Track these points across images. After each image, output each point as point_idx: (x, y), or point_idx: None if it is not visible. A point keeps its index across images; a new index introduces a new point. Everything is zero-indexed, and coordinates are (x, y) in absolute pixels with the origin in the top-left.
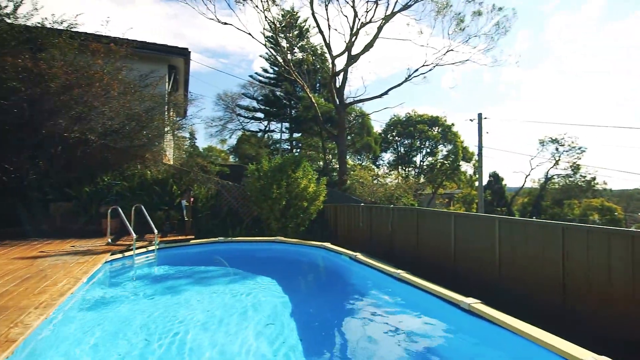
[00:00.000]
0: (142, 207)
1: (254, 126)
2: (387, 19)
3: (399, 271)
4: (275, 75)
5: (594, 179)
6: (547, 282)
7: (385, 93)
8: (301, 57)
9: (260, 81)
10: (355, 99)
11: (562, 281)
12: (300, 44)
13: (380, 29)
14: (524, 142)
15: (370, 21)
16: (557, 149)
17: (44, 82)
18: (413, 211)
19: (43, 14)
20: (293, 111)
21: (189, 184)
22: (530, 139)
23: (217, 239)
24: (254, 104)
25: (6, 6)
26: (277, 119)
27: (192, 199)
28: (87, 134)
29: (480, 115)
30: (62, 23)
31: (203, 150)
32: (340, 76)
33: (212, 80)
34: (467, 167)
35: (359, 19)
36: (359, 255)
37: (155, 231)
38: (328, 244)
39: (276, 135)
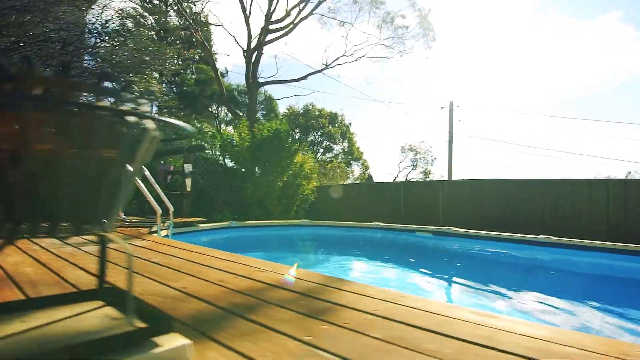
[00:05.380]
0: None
1: None
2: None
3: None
4: None
5: None
6: None
7: (304, 78)
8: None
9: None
10: (271, 79)
11: None
12: (176, 8)
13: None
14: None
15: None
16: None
17: None
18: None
19: None
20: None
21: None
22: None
23: (228, 222)
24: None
25: None
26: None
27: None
28: None
29: (452, 103)
30: None
31: None
32: (254, 54)
33: None
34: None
35: None
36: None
37: (171, 208)
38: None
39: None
